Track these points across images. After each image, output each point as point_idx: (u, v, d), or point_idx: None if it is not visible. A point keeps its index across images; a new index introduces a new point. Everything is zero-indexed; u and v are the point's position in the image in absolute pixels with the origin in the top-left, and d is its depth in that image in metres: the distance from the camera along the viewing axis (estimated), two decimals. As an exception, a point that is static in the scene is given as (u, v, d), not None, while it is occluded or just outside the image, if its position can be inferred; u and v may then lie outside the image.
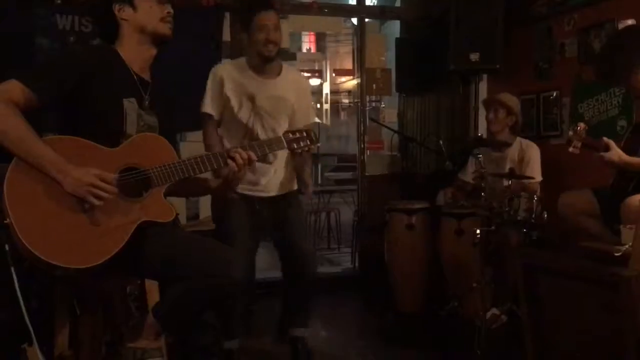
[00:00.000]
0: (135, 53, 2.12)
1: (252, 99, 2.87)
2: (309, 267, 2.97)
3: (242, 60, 2.96)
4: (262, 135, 2.86)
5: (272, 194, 2.97)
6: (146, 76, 2.16)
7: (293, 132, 2.27)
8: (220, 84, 2.86)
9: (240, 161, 2.09)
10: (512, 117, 3.86)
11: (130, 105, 2.06)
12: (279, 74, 2.94)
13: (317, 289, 3.11)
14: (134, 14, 2.09)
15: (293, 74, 3.10)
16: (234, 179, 2.16)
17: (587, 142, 2.91)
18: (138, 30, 2.10)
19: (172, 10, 2.14)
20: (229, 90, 2.86)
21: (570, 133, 2.94)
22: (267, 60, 2.85)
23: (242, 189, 2.81)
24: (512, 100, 3.91)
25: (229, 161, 2.09)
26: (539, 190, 3.70)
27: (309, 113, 3.10)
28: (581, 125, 2.92)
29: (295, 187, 3.09)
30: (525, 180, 3.60)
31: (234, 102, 2.87)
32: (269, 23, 2.77)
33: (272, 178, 2.97)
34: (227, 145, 2.86)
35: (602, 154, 2.84)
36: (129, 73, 2.09)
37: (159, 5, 2.11)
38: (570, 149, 2.91)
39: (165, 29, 2.13)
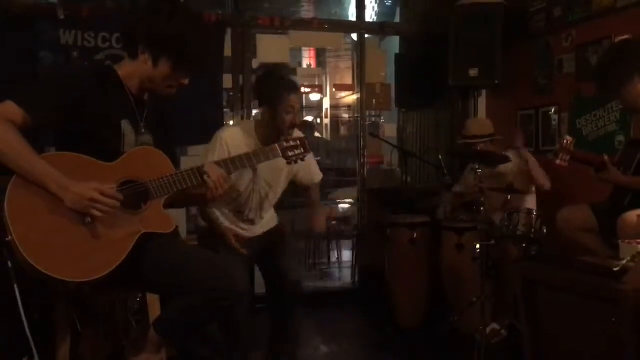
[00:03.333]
0: (133, 82, 2.11)
1: (254, 169, 2.81)
2: (294, 298, 2.94)
3: (250, 125, 2.90)
4: (254, 203, 2.89)
5: (259, 233, 2.97)
6: (144, 97, 2.17)
7: (287, 141, 2.29)
8: (226, 151, 2.73)
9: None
10: (490, 141, 3.90)
11: (127, 126, 2.07)
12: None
13: (299, 320, 3.06)
14: (152, 68, 2.06)
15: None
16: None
17: (578, 156, 2.93)
18: (146, 78, 2.09)
19: (186, 83, 2.12)
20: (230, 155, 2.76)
21: (557, 146, 2.96)
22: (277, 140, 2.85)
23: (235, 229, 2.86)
24: (481, 127, 3.96)
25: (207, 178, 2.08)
26: (534, 202, 3.71)
27: (312, 173, 3.11)
28: (568, 139, 2.95)
29: (276, 222, 3.09)
30: (537, 167, 3.64)
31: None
32: (297, 106, 2.76)
33: (265, 219, 3.00)
34: (217, 213, 2.86)
35: (599, 174, 2.86)
36: (127, 95, 2.10)
37: (177, 77, 2.09)
38: (558, 162, 2.94)
39: (168, 92, 2.13)
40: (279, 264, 2.92)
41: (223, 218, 2.87)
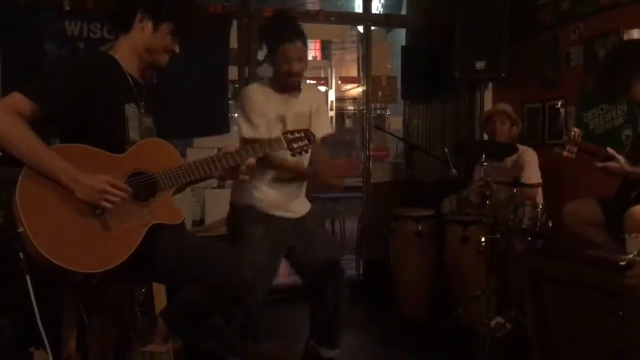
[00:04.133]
0: (130, 61, 2.14)
1: (282, 119, 2.81)
2: (339, 281, 2.89)
3: (266, 81, 2.89)
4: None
5: (299, 215, 2.91)
6: (141, 79, 2.20)
7: (292, 132, 2.30)
8: (255, 106, 2.76)
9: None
10: (516, 128, 3.90)
11: (131, 110, 2.09)
12: (299, 90, 2.88)
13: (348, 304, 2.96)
14: (151, 33, 2.10)
15: (312, 90, 3.05)
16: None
17: (585, 148, 2.93)
18: (143, 48, 2.12)
19: (177, 51, 2.16)
20: (262, 111, 2.77)
21: (565, 138, 2.96)
22: (291, 88, 2.83)
23: (272, 211, 2.80)
24: (507, 107, 3.97)
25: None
26: (540, 196, 3.71)
27: (324, 126, 3.00)
28: (576, 131, 2.94)
29: (310, 205, 3.02)
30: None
31: (267, 124, 2.78)
32: (292, 55, 2.69)
33: (296, 200, 2.91)
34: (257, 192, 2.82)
35: (607, 163, 2.85)
36: (127, 79, 2.12)
37: (172, 39, 2.13)
38: (565, 153, 2.93)
39: (164, 59, 2.16)
40: (317, 256, 2.84)
41: (264, 196, 2.81)
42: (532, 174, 3.78)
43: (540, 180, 3.75)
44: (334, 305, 2.90)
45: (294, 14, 2.87)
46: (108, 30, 4.06)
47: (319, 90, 3.17)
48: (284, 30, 2.71)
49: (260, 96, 2.78)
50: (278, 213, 2.83)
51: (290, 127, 2.76)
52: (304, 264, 2.90)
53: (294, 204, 2.89)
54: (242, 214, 2.83)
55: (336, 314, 2.92)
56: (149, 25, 2.09)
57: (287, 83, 2.78)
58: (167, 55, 2.16)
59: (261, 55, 3.31)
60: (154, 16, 2.08)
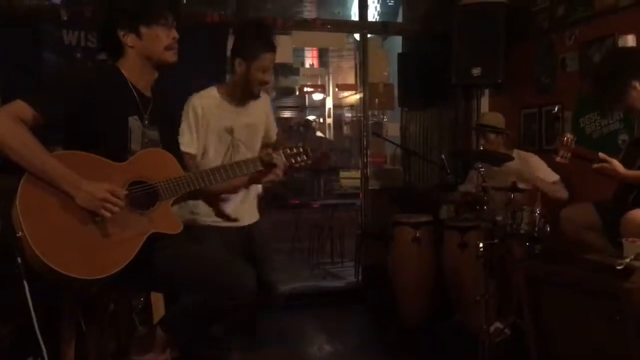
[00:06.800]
0: (138, 74, 2.14)
1: (230, 131, 2.82)
2: (275, 299, 2.93)
3: (213, 90, 2.86)
4: None
5: (244, 223, 2.89)
6: (148, 93, 2.19)
7: (290, 148, 2.30)
8: (200, 118, 2.76)
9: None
10: (500, 135, 3.92)
11: (134, 122, 2.10)
12: (248, 99, 2.89)
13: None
14: (139, 42, 2.10)
15: (258, 100, 2.99)
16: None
17: (579, 152, 2.94)
18: (143, 57, 2.12)
19: (177, 35, 2.15)
20: (207, 124, 2.77)
21: (558, 143, 2.96)
22: (251, 96, 2.84)
23: (213, 221, 2.69)
24: (496, 119, 3.98)
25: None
26: (563, 190, 3.74)
27: (272, 130, 3.07)
28: (569, 136, 2.95)
29: (258, 216, 3.03)
30: (549, 187, 3.67)
31: (214, 136, 2.80)
32: (268, 65, 2.74)
33: (241, 207, 2.86)
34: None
35: (602, 164, 2.85)
36: (132, 91, 2.12)
37: (164, 31, 2.11)
38: (558, 159, 2.93)
39: (170, 56, 2.14)
40: (260, 272, 2.79)
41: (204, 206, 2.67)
42: (547, 174, 3.81)
43: (557, 177, 3.78)
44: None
45: (268, 24, 2.91)
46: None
47: (265, 95, 3.16)
48: (265, 39, 2.74)
49: (208, 105, 2.77)
50: (221, 224, 2.74)
51: (237, 139, 2.83)
52: None
53: (237, 212, 2.77)
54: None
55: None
56: (132, 38, 2.09)
57: (253, 92, 2.80)
58: (170, 52, 2.13)
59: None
60: (129, 28, 2.08)
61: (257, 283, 2.76)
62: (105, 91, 2.04)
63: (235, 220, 2.58)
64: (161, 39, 2.11)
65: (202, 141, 2.79)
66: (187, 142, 2.72)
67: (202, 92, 2.84)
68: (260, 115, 2.95)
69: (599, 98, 3.19)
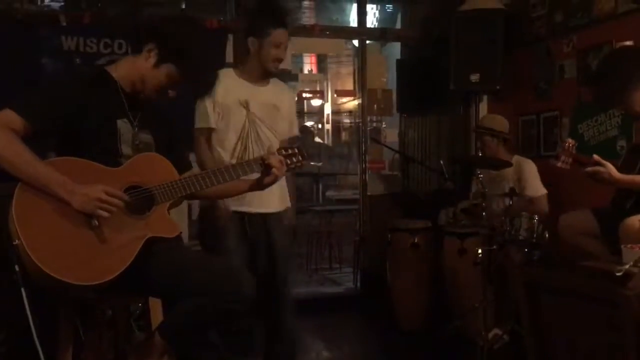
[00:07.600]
0: (127, 79, 2.13)
1: (245, 105, 2.79)
2: (288, 314, 2.87)
3: (229, 70, 2.87)
4: (256, 145, 2.78)
5: (263, 210, 2.81)
6: (138, 95, 2.17)
7: (286, 149, 2.30)
8: (215, 90, 2.67)
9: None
10: (497, 139, 3.89)
11: (124, 125, 2.09)
12: (268, 82, 2.88)
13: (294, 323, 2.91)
14: (151, 68, 2.08)
15: (280, 84, 3.01)
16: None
17: (579, 159, 2.93)
18: (139, 75, 2.11)
19: (173, 94, 2.15)
20: (221, 97, 2.75)
21: (559, 149, 2.96)
22: (268, 74, 2.84)
23: (232, 204, 2.69)
24: (494, 121, 3.96)
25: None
26: (546, 206, 3.71)
27: (294, 125, 3.03)
28: (570, 142, 2.94)
29: (288, 204, 2.95)
30: (528, 199, 3.63)
31: (227, 109, 2.77)
32: (283, 42, 2.74)
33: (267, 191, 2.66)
34: (224, 156, 2.76)
35: (595, 167, 2.82)
36: (120, 94, 2.12)
37: (167, 81, 2.10)
38: (559, 164, 2.92)
39: (154, 96, 2.14)
40: (275, 271, 2.81)
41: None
42: (536, 186, 3.78)
43: (544, 191, 3.76)
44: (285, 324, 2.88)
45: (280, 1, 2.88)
46: (104, 44, 4.10)
47: (288, 88, 3.14)
48: (278, 15, 2.74)
49: (221, 80, 2.66)
50: (238, 208, 2.75)
51: (253, 114, 2.79)
52: (259, 272, 2.78)
53: (258, 195, 2.67)
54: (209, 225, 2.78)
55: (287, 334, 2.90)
56: (153, 59, 2.08)
57: (269, 69, 2.78)
58: (157, 94, 2.13)
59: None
60: (160, 52, 2.07)
61: (276, 291, 2.78)
62: (95, 96, 2.03)
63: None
64: (163, 82, 2.11)
65: (215, 115, 2.76)
66: (201, 117, 2.75)
67: (219, 70, 2.77)
68: (282, 100, 2.90)
69: (598, 94, 3.16)
